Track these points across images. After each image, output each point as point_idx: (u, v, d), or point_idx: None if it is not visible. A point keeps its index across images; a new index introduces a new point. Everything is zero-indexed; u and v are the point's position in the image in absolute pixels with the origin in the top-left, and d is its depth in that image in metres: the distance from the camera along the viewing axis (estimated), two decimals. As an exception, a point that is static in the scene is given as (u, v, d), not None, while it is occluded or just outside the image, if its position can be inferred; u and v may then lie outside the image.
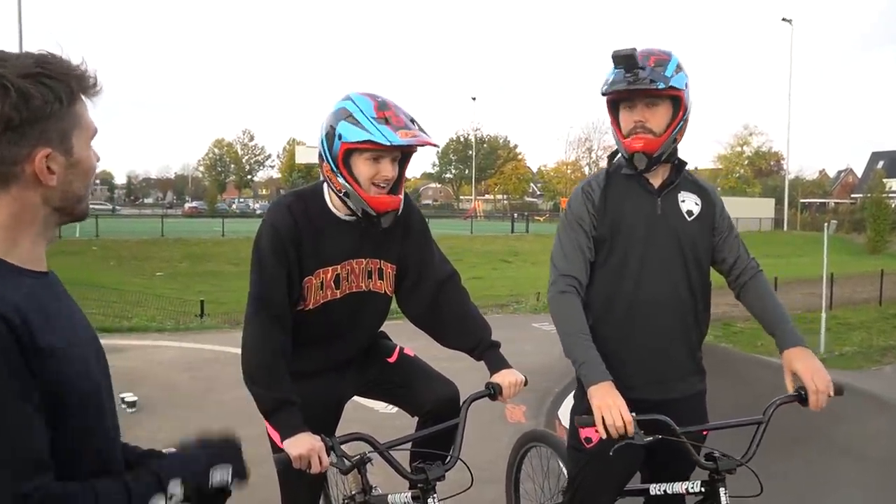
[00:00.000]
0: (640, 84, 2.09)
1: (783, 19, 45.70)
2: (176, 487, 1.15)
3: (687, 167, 2.31)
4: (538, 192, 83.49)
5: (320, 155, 2.11)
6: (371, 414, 5.11)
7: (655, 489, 2.20)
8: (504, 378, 2.23)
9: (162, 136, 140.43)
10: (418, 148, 2.11)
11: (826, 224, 13.64)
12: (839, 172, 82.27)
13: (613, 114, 2.23)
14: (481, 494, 4.24)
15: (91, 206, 1.24)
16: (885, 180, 45.15)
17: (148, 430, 5.14)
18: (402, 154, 2.12)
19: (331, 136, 2.06)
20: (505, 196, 76.12)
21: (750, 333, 14.14)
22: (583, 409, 2.27)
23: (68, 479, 1.06)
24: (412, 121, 2.07)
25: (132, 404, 5.62)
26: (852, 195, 66.13)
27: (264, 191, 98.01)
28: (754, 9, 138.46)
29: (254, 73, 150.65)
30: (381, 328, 2.52)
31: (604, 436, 1.97)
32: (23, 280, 1.10)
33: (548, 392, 6.03)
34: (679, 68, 2.14)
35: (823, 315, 12.40)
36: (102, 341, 1.27)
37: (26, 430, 1.02)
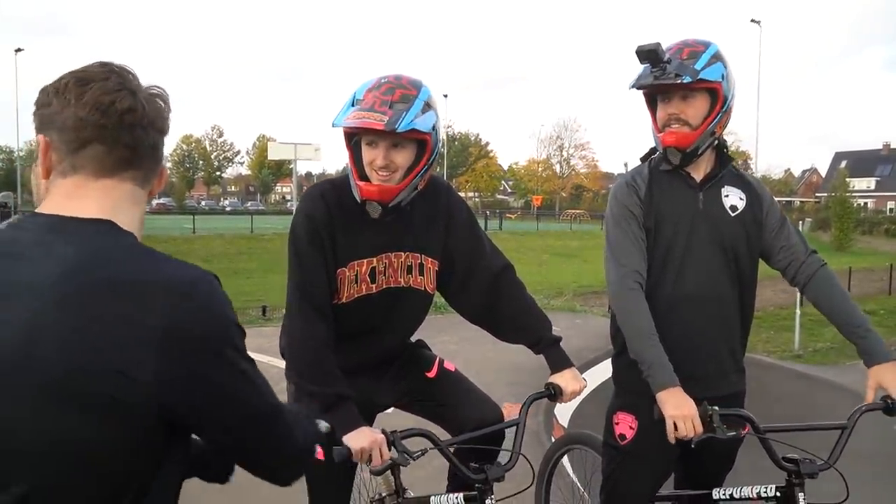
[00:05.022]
0: (666, 78, 2.06)
1: (752, 20, 46.30)
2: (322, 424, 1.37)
3: (733, 162, 2.28)
4: (509, 190, 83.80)
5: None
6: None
7: (719, 493, 2.17)
8: (567, 384, 2.18)
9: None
10: (412, 132, 1.95)
11: (801, 222, 13.91)
12: (804, 172, 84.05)
13: (651, 107, 2.21)
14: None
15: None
16: (848, 180, 46.06)
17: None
18: (416, 142, 2.01)
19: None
20: (476, 193, 76.26)
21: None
22: (618, 406, 2.28)
23: None
24: (393, 103, 1.94)
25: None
26: (817, 194, 67.57)
27: (233, 187, 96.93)
28: (724, 9, 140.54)
29: (223, 68, 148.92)
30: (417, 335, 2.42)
31: (673, 442, 1.96)
32: None
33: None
34: (715, 59, 2.10)
35: (798, 311, 12.61)
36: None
37: None
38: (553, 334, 2.27)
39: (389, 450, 1.87)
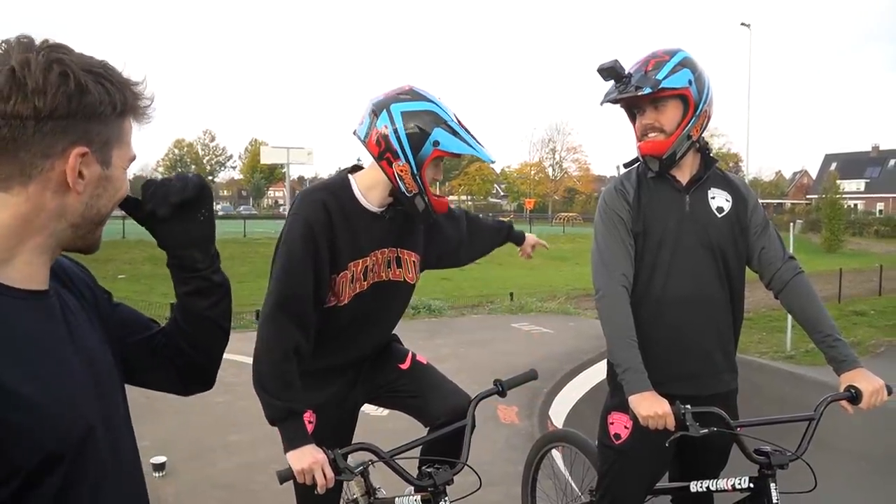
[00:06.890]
0: (627, 92, 2.16)
1: (742, 24, 46.45)
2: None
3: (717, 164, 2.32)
4: (502, 193, 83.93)
5: (390, 151, 2.07)
6: (362, 417, 5.04)
7: (697, 486, 2.19)
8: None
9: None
10: None
11: (792, 224, 14.01)
12: (794, 174, 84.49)
13: (631, 120, 2.28)
14: (481, 497, 4.24)
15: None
16: (838, 181, 46.43)
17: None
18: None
19: (420, 137, 2.05)
20: (469, 197, 76.35)
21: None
22: (613, 406, 2.30)
23: None
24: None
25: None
26: (807, 196, 67.97)
27: (225, 192, 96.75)
28: (714, 13, 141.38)
29: (214, 72, 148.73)
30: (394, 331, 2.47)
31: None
32: None
33: (537, 391, 6.04)
34: (681, 66, 2.16)
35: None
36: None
37: None
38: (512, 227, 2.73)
39: (332, 467, 1.88)
